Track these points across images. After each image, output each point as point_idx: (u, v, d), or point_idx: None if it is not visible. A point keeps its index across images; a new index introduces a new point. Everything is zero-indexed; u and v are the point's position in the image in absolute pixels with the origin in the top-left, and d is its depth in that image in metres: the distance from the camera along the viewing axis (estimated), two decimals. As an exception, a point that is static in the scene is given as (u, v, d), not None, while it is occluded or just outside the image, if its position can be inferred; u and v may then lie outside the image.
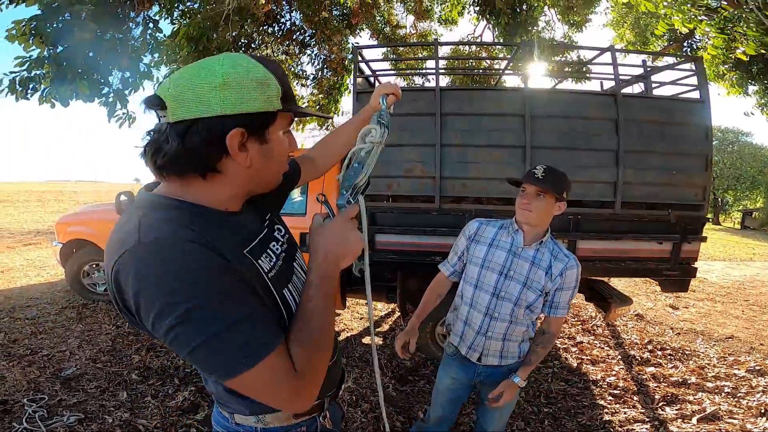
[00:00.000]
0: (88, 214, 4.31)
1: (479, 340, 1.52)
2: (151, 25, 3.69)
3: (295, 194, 3.85)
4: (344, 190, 0.82)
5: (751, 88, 4.87)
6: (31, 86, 3.14)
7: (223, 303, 0.56)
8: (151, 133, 0.65)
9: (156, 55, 3.86)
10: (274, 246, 0.79)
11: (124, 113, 3.67)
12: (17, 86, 3.11)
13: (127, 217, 0.63)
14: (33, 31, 3.01)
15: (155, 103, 0.62)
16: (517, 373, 1.49)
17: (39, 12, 3.07)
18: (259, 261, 0.70)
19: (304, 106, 6.74)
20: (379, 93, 1.04)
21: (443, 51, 7.55)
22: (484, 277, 1.50)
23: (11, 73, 3.14)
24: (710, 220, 26.67)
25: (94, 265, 4.09)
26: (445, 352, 1.69)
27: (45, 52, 3.10)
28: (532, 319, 1.52)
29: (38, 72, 3.14)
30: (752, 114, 5.19)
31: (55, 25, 3.08)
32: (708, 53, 3.89)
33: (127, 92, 3.59)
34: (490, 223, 1.58)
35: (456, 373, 1.61)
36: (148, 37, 3.67)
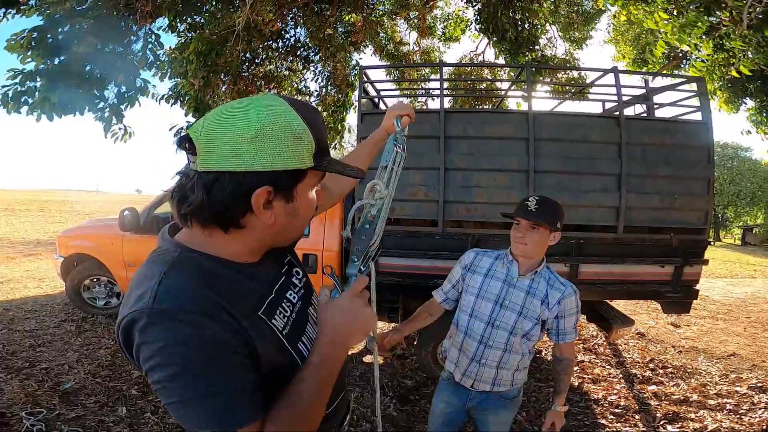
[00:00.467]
0: (90, 229, 4.33)
1: (473, 367, 1.54)
2: (152, 38, 3.68)
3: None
4: (355, 257, 0.78)
5: (745, 105, 4.90)
6: (22, 99, 3.11)
7: (209, 374, 0.57)
8: (180, 175, 0.64)
9: (154, 69, 3.85)
10: (290, 295, 0.77)
11: (120, 128, 3.62)
12: (9, 99, 3.06)
13: (151, 269, 0.63)
14: (33, 43, 3.00)
15: (186, 145, 0.61)
16: (555, 402, 1.56)
17: (41, 23, 3.07)
18: (273, 320, 0.69)
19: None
20: (392, 114, 1.02)
21: (447, 70, 7.65)
22: (479, 306, 1.53)
23: (3, 87, 3.10)
24: (711, 237, 26.72)
25: (94, 280, 4.08)
26: (440, 377, 1.72)
27: (41, 65, 3.08)
28: (529, 347, 1.54)
29: (30, 85, 3.11)
30: (749, 133, 5.22)
31: (55, 37, 3.07)
32: (697, 69, 3.95)
33: (123, 107, 3.55)
34: (487, 253, 1.61)
35: (449, 397, 1.64)
36: (148, 51, 3.66)
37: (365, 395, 2.88)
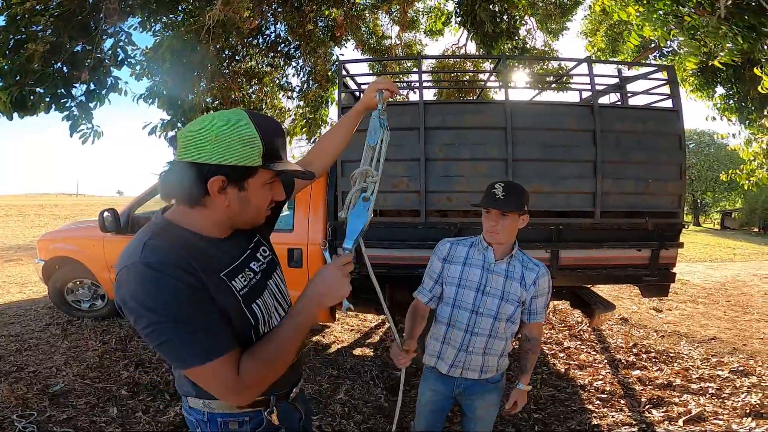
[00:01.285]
0: (70, 231, 4.26)
1: (461, 356, 1.55)
2: (123, 37, 3.57)
3: (283, 210, 3.85)
4: (349, 234, 0.91)
5: (717, 93, 5.00)
6: None
7: (188, 315, 0.73)
8: (167, 164, 0.83)
9: (127, 68, 3.77)
10: (254, 265, 0.94)
11: (89, 128, 3.52)
12: None
13: (142, 234, 0.81)
14: None
15: (173, 141, 0.82)
16: (520, 380, 1.59)
17: (2, 23, 2.98)
18: (233, 282, 0.85)
19: (290, 118, 6.76)
20: (373, 88, 1.10)
21: (428, 63, 7.68)
22: (461, 296, 1.54)
23: None
24: (690, 222, 27.48)
25: (77, 282, 4.02)
26: (425, 366, 1.72)
27: (4, 65, 2.97)
28: (512, 331, 1.57)
29: None
30: (714, 119, 5.33)
31: (16, 37, 2.98)
32: (685, 63, 4.02)
33: (92, 105, 3.42)
34: (461, 242, 1.61)
35: (435, 385, 1.65)
36: (119, 50, 3.55)
37: (356, 387, 2.91)
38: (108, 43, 3.51)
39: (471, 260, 1.55)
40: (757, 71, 2.76)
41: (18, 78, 2.98)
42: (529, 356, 1.60)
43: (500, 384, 1.65)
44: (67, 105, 3.30)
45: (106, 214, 3.42)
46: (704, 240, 15.47)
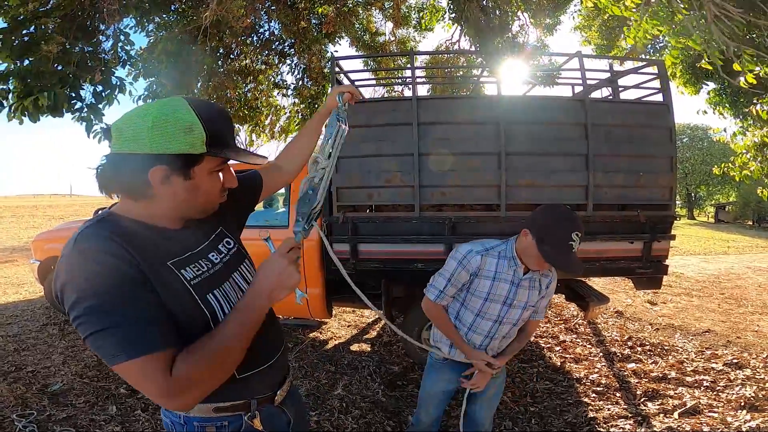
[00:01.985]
0: (66, 231, 4.24)
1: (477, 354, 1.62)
2: (122, 37, 3.60)
3: (280, 206, 3.87)
4: (299, 218, 0.89)
5: (707, 87, 5.06)
6: None
7: (117, 306, 0.67)
8: (103, 157, 0.78)
9: (128, 68, 3.78)
10: (212, 256, 0.89)
11: (101, 128, 3.59)
12: None
13: (81, 226, 0.76)
14: (1, 45, 2.91)
15: (107, 134, 0.76)
16: (498, 359, 1.62)
17: (5, 25, 2.99)
18: (182, 271, 0.80)
19: (285, 115, 6.75)
20: (335, 92, 1.13)
21: (422, 59, 7.67)
22: (487, 308, 1.55)
23: None
24: (685, 215, 27.63)
25: (74, 283, 4.02)
26: (432, 357, 1.76)
27: (12, 66, 3.01)
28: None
29: (3, 87, 3.05)
30: (705, 113, 5.43)
31: (21, 38, 3.00)
32: (668, 59, 4.06)
33: (101, 106, 3.49)
34: (489, 253, 1.53)
35: (449, 374, 1.70)
36: (119, 50, 3.59)
37: (354, 382, 2.93)
38: (108, 44, 3.54)
39: (501, 275, 1.52)
40: (737, 66, 2.79)
41: (29, 80, 3.00)
42: (514, 345, 1.66)
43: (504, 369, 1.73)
44: (78, 107, 3.34)
45: (101, 212, 3.42)
46: (698, 233, 15.59)
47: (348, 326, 4.21)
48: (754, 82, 2.91)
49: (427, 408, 1.76)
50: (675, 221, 2.98)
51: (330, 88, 6.25)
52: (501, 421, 2.48)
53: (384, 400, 2.72)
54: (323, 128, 1.10)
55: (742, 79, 2.98)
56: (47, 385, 2.78)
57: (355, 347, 3.65)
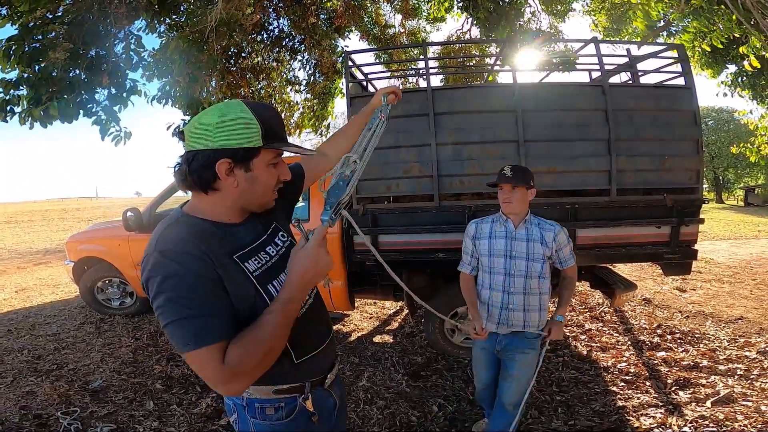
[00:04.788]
0: (96, 232, 4.39)
1: (503, 315, 1.84)
2: (133, 40, 3.61)
3: (299, 201, 3.92)
4: (328, 206, 0.94)
5: (727, 70, 4.95)
6: (8, 108, 3.06)
7: (192, 300, 0.77)
8: (180, 157, 0.90)
9: (140, 70, 3.82)
10: (270, 249, 0.98)
11: (117, 130, 3.63)
12: None
13: (160, 226, 0.88)
14: (11, 53, 2.95)
15: (180, 135, 0.89)
16: (557, 312, 1.85)
17: (15, 32, 3.01)
18: (246, 263, 0.89)
19: (299, 111, 6.81)
20: (380, 93, 1.24)
21: (434, 49, 7.57)
22: (493, 263, 1.86)
23: None
24: (713, 199, 26.61)
25: (107, 281, 4.17)
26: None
27: (24, 73, 3.03)
28: (546, 286, 1.87)
29: (16, 93, 3.07)
30: (726, 95, 5.33)
31: (31, 45, 3.01)
32: (682, 40, 3.95)
33: (116, 109, 3.50)
34: (483, 220, 1.95)
35: (483, 344, 1.95)
36: (131, 53, 3.60)
37: (377, 374, 2.96)
38: (119, 47, 3.57)
39: (495, 233, 1.87)
40: (743, 49, 2.70)
41: (39, 88, 3.05)
42: (564, 292, 1.89)
43: (539, 340, 1.88)
44: (94, 110, 3.39)
45: (129, 213, 3.53)
46: (728, 217, 15.00)
47: (370, 318, 4.25)
48: (758, 65, 2.84)
49: (477, 373, 2.06)
50: (703, 205, 2.88)
51: (341, 82, 6.27)
52: (527, 410, 2.46)
53: (408, 390, 2.74)
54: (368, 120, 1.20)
55: (746, 63, 2.90)
56: (88, 383, 2.89)
57: (377, 339, 3.69)
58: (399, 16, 7.26)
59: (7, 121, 3.13)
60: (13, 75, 3.10)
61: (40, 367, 3.16)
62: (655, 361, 3.05)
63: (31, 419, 2.45)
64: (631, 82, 3.39)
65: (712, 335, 3.53)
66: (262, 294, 0.88)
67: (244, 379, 0.80)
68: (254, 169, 0.88)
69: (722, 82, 5.06)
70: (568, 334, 3.64)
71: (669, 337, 3.51)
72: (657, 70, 3.28)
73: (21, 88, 3.10)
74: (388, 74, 5.99)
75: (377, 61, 6.98)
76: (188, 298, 0.76)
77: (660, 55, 3.33)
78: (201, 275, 0.79)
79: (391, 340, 3.65)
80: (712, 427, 2.24)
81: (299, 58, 6.44)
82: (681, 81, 2.95)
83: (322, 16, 6.15)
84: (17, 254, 9.67)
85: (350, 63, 3.16)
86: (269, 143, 0.88)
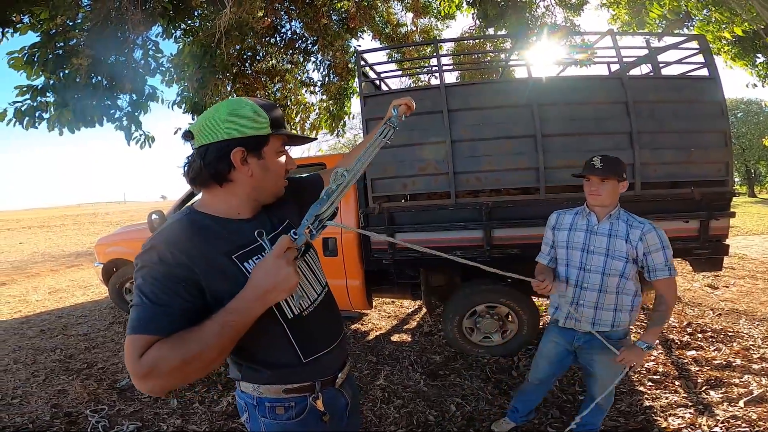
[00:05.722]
0: (124, 234, 4.55)
1: (572, 309, 1.76)
2: (151, 46, 3.72)
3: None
4: (305, 219, 0.87)
5: (758, 60, 4.75)
6: (36, 114, 3.16)
7: (150, 290, 0.78)
8: (188, 158, 0.92)
9: (158, 76, 3.90)
10: None
11: (141, 134, 3.69)
12: (24, 115, 3.11)
13: (167, 222, 0.90)
14: (35, 60, 3.05)
15: (187, 135, 0.91)
16: (642, 336, 1.67)
17: (38, 39, 3.11)
18: (245, 264, 0.88)
19: (315, 112, 6.89)
20: (392, 104, 1.21)
21: (447, 47, 7.51)
22: (570, 255, 1.78)
23: (14, 102, 3.11)
24: (745, 193, 25.34)
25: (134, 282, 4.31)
26: (549, 321, 1.96)
27: (50, 80, 3.14)
28: (630, 288, 1.71)
29: (42, 99, 3.17)
30: (755, 86, 5.09)
31: (54, 52, 3.11)
32: (700, 29, 3.80)
33: (137, 114, 3.62)
34: (567, 212, 1.87)
35: (556, 336, 1.89)
36: (149, 59, 3.70)
37: (395, 373, 2.96)
38: (138, 53, 3.67)
39: (576, 225, 1.79)
40: None
41: (67, 93, 3.15)
42: (653, 314, 1.68)
43: (623, 341, 1.75)
44: (117, 116, 3.49)
45: (153, 216, 3.64)
46: (761, 211, 14.29)
47: (388, 317, 4.25)
48: None
49: (536, 366, 1.99)
50: (734, 198, 2.76)
51: (355, 82, 6.30)
52: (548, 409, 2.43)
53: (426, 389, 2.73)
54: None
55: None
56: (116, 381, 3.00)
57: (395, 338, 3.68)
58: (410, 15, 7.24)
59: (36, 127, 3.23)
60: (39, 82, 3.21)
61: (72, 366, 3.30)
62: (685, 360, 2.94)
63: (62, 417, 2.55)
64: (652, 74, 3.28)
65: (746, 333, 3.38)
66: None
67: (157, 380, 0.73)
68: (265, 156, 0.91)
69: (756, 73, 4.86)
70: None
71: (700, 335, 3.38)
72: (679, 61, 3.18)
73: (48, 94, 3.21)
74: (401, 72, 5.97)
75: (390, 59, 6.97)
76: (151, 289, 0.78)
77: (681, 46, 3.22)
78: (169, 271, 0.79)
79: (409, 339, 3.63)
80: (744, 427, 2.15)
81: (313, 59, 6.50)
82: (704, 72, 2.84)
83: (334, 17, 6.18)
84: (50, 257, 10.13)
85: (362, 62, 3.17)
86: (277, 131, 0.92)
